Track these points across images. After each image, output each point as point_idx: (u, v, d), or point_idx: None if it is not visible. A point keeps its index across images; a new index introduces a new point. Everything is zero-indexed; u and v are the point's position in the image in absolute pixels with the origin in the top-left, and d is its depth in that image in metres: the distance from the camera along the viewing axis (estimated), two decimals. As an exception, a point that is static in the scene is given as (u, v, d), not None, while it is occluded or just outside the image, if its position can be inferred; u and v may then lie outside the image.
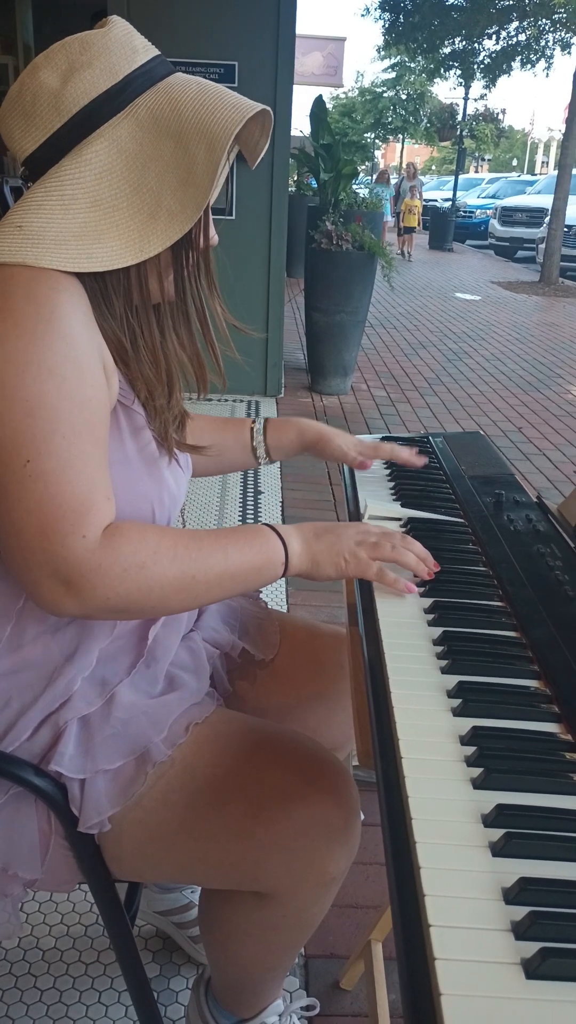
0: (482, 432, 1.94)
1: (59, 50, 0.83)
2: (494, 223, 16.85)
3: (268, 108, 0.88)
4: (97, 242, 0.82)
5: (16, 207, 0.83)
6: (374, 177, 17.68)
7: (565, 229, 12.41)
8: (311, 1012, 1.33)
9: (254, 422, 1.26)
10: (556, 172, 13.46)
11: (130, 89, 0.84)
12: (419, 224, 16.22)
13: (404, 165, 18.15)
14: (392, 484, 1.31)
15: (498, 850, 0.60)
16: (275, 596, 2.67)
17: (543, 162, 53.84)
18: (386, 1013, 1.23)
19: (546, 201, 13.85)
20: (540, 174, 36.74)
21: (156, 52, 0.88)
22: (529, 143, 55.01)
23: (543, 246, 12.84)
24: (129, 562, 0.83)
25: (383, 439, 1.54)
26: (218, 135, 0.81)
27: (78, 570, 0.80)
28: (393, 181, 20.42)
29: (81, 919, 1.52)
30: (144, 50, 0.86)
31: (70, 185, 0.82)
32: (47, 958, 1.45)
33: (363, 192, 6.06)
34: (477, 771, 0.68)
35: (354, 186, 5.72)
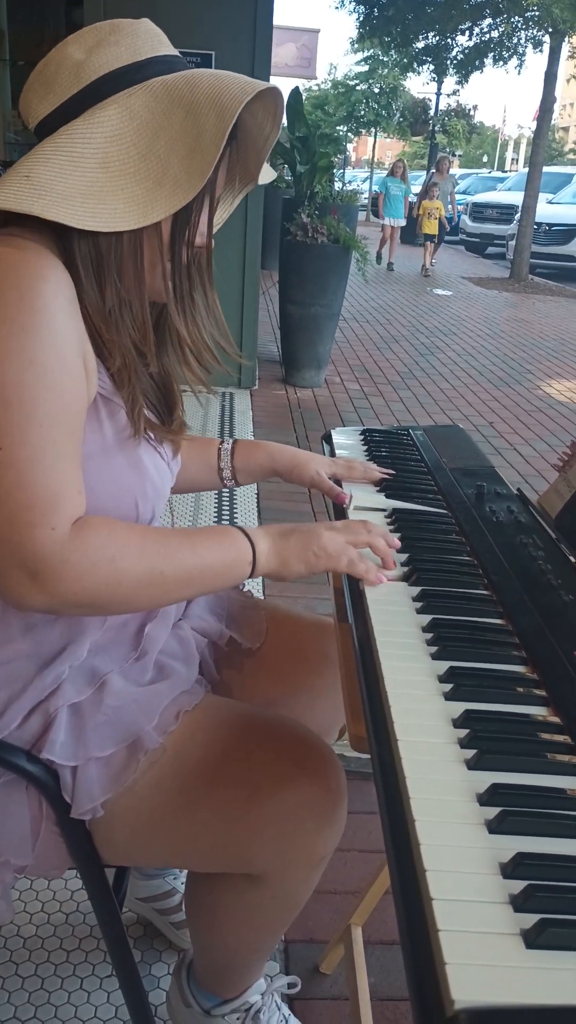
0: (458, 425, 1.97)
1: (91, 30, 0.87)
2: (465, 219, 16.87)
3: (278, 88, 0.89)
4: (102, 203, 0.83)
5: (24, 159, 0.84)
6: (386, 171, 14.38)
7: (535, 226, 12.53)
8: (293, 989, 1.35)
9: (222, 442, 1.24)
10: (527, 169, 13.57)
11: (149, 69, 0.86)
12: (444, 229, 12.83)
13: (436, 161, 14.55)
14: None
15: (494, 827, 0.62)
16: (252, 587, 2.68)
17: (513, 159, 54.24)
18: (367, 996, 1.25)
19: (516, 198, 13.96)
20: (510, 171, 37.02)
21: (178, 53, 0.91)
22: (500, 140, 55.37)
23: (513, 243, 12.95)
24: (98, 556, 0.82)
25: (364, 431, 1.56)
26: (228, 104, 0.82)
27: (45, 562, 0.79)
28: (419, 175, 18.06)
29: (62, 907, 1.52)
30: (168, 46, 0.90)
31: (80, 143, 0.83)
32: (28, 946, 1.45)
33: (338, 185, 6.06)
34: (471, 752, 0.70)
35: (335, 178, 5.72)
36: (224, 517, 3.21)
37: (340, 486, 1.23)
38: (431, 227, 12.36)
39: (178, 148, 0.84)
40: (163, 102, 0.85)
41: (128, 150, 0.84)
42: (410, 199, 13.44)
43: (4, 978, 1.39)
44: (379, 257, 12.88)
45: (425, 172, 18.98)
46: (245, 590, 1.27)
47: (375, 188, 14.03)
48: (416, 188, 14.96)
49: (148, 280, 0.91)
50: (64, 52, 0.86)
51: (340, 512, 1.19)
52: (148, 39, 0.88)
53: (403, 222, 12.91)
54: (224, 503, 3.34)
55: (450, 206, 13.28)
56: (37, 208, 0.80)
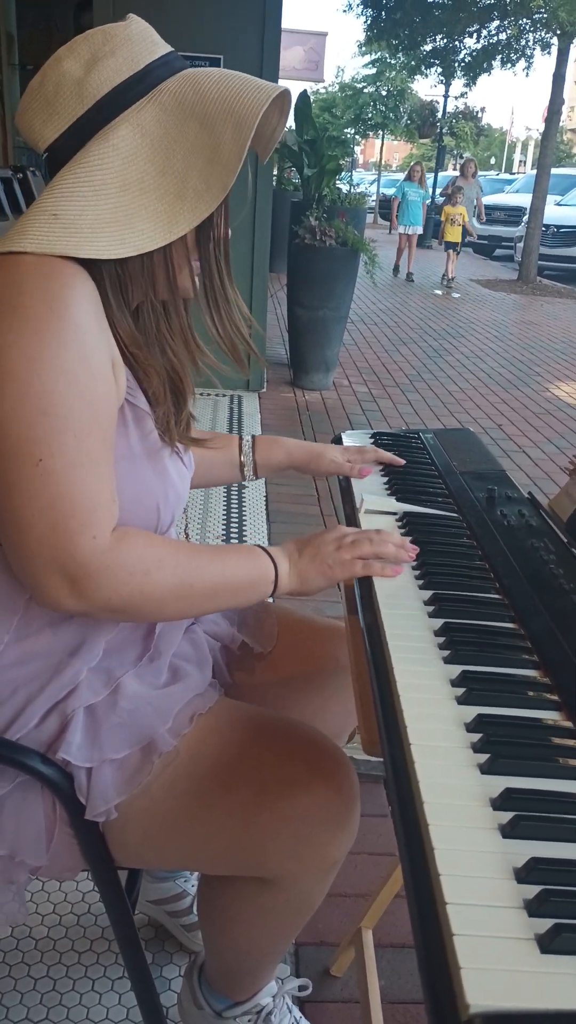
0: (469, 429, 1.97)
1: (82, 42, 0.85)
2: (473, 221, 16.84)
3: (288, 89, 0.89)
4: (128, 227, 0.83)
5: (47, 193, 0.84)
6: (404, 175, 12.85)
7: (543, 228, 12.52)
8: (304, 992, 1.35)
9: (242, 438, 1.29)
10: (535, 171, 13.55)
11: (151, 77, 0.86)
12: (470, 236, 11.96)
13: (461, 161, 13.30)
14: (385, 480, 1.33)
15: (508, 832, 0.62)
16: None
17: (520, 161, 54.15)
18: (377, 998, 1.26)
19: (524, 200, 13.95)
20: (518, 173, 36.98)
21: (171, 48, 0.90)
22: (507, 142, 55.29)
23: (521, 245, 12.93)
24: (135, 567, 0.85)
25: (374, 434, 1.56)
26: (245, 115, 0.83)
27: (85, 569, 0.82)
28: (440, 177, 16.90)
29: (73, 908, 1.53)
30: (162, 45, 0.89)
31: (99, 170, 0.83)
32: (40, 947, 1.45)
33: (345, 188, 6.06)
34: (484, 757, 0.70)
35: (338, 182, 5.71)
36: (233, 519, 3.22)
37: (352, 482, 1.29)
38: (454, 234, 11.30)
39: (195, 161, 0.84)
40: (174, 115, 0.85)
41: (146, 168, 0.84)
42: (427, 204, 12.61)
43: (16, 979, 1.39)
44: (396, 269, 12.20)
45: (432, 175, 18.70)
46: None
47: (392, 193, 13.33)
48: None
49: (180, 283, 0.93)
50: (60, 69, 0.84)
51: (349, 505, 1.24)
52: (142, 42, 0.87)
53: (420, 230, 12.02)
54: (233, 505, 3.34)
55: (475, 213, 12.26)
56: (71, 248, 0.81)
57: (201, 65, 0.91)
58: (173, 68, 0.88)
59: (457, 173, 14.08)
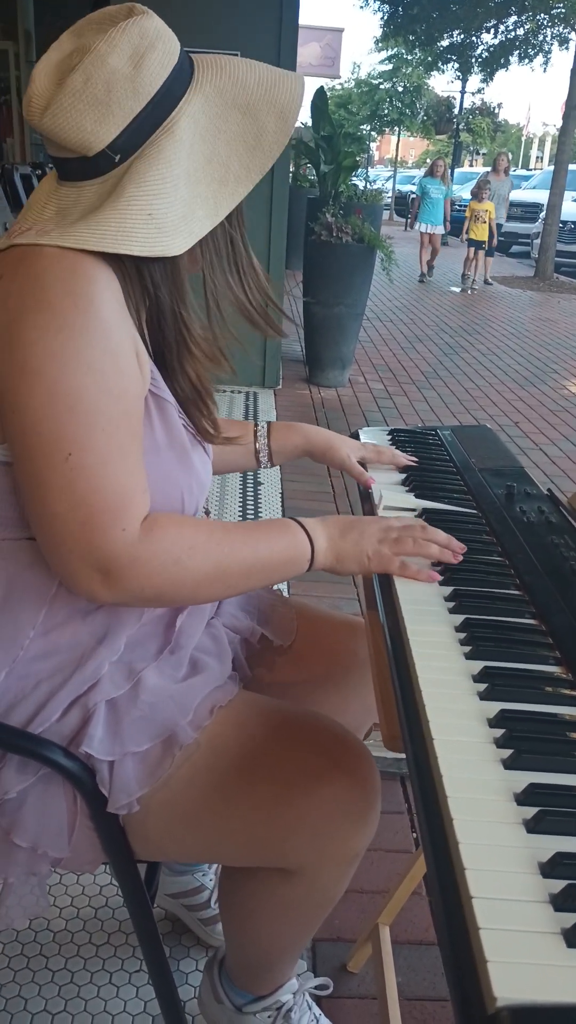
0: (486, 426, 1.96)
1: (120, 36, 0.82)
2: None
3: (303, 77, 0.93)
4: (192, 217, 0.86)
5: (133, 192, 0.84)
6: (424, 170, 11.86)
7: (560, 224, 12.45)
8: (324, 991, 1.35)
9: (257, 425, 1.28)
10: (552, 167, 13.47)
11: (186, 67, 0.88)
12: (494, 236, 10.99)
13: (495, 159, 12.32)
14: (404, 476, 1.33)
15: (532, 827, 0.62)
16: (277, 586, 2.68)
17: (537, 157, 53.85)
18: (395, 995, 1.26)
19: (541, 196, 13.87)
20: (535, 169, 36.78)
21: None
22: (524, 138, 55.01)
23: (538, 241, 12.86)
24: (166, 556, 0.86)
25: (391, 432, 1.56)
26: (287, 105, 0.89)
27: (117, 562, 0.83)
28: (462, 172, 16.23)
29: (91, 901, 1.54)
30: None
31: (171, 164, 0.85)
32: (58, 940, 1.46)
33: (361, 184, 6.05)
34: (507, 752, 0.70)
35: (354, 179, 5.71)
36: (249, 515, 3.22)
37: (367, 470, 1.30)
38: (479, 232, 10.67)
39: (238, 147, 0.89)
40: (217, 104, 0.88)
41: (198, 158, 0.87)
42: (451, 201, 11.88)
43: (35, 971, 1.40)
44: (423, 276, 11.35)
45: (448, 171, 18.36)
46: (274, 588, 1.28)
47: (413, 191, 12.90)
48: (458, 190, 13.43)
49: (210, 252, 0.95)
50: (106, 66, 0.82)
51: (368, 502, 1.24)
52: (168, 33, 0.88)
53: (442, 229, 11.26)
54: (249, 502, 3.35)
55: (503, 212, 11.74)
56: (170, 247, 0.84)
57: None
58: (191, 51, 0.91)
59: (478, 169, 13.73)
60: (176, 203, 0.85)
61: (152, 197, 0.83)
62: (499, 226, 11.53)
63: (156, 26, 0.86)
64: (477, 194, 10.97)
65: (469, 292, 10.58)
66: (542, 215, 12.82)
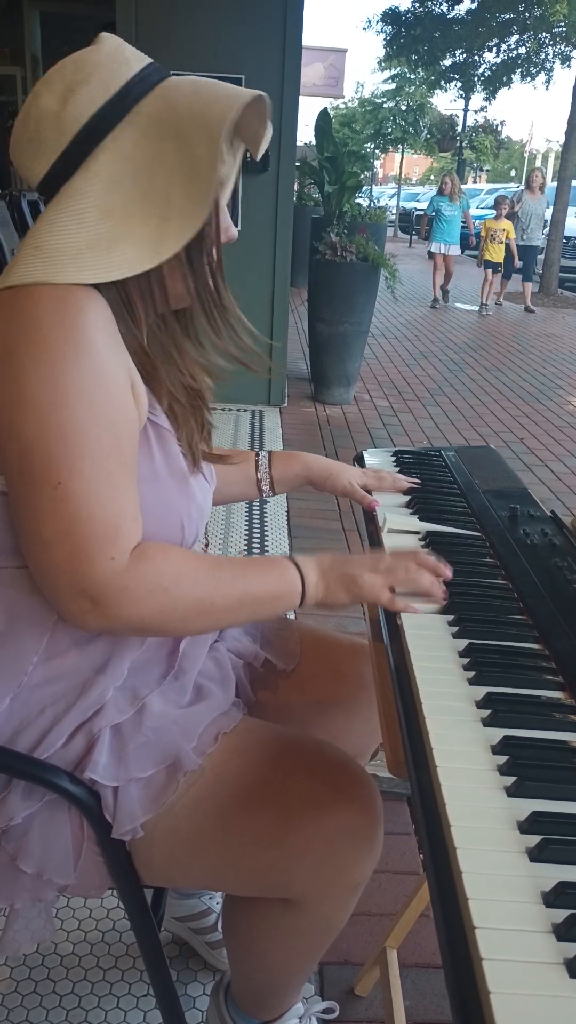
0: (490, 446, 1.97)
1: (55, 73, 0.86)
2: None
3: (263, 94, 0.87)
4: (112, 252, 0.83)
5: (33, 229, 0.86)
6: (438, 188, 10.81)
7: (564, 240, 12.49)
8: (331, 1015, 1.35)
9: (258, 454, 1.29)
10: (555, 183, 13.54)
11: (128, 98, 0.85)
12: (514, 257, 10.34)
13: (529, 176, 11.42)
14: (408, 498, 1.34)
15: (535, 856, 0.62)
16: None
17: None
18: (402, 1019, 1.25)
19: (545, 212, 13.92)
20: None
21: (149, 60, 0.89)
22: (527, 154, 55.26)
23: (542, 257, 12.91)
24: (153, 584, 0.86)
25: (396, 452, 1.57)
26: (213, 125, 0.82)
27: (105, 590, 0.83)
28: (498, 191, 14.36)
29: (98, 925, 1.54)
30: (136, 59, 0.88)
31: (79, 199, 0.84)
32: (65, 963, 1.46)
33: (365, 202, 6.11)
34: (510, 780, 0.70)
35: (358, 197, 5.76)
36: (255, 534, 3.23)
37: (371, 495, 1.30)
38: (495, 253, 10.02)
39: (177, 180, 0.84)
40: (151, 136, 0.84)
41: (130, 193, 0.84)
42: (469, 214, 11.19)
43: (42, 996, 1.40)
44: (435, 302, 10.54)
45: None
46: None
47: (418, 208, 12.67)
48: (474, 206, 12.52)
49: (186, 303, 0.94)
50: (39, 104, 0.84)
51: (372, 523, 1.24)
52: (114, 63, 0.86)
53: (458, 249, 10.58)
54: (255, 521, 3.36)
55: (538, 232, 10.94)
56: (49, 275, 0.81)
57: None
58: (150, 83, 0.86)
59: (481, 185, 13.58)
60: (80, 236, 0.82)
61: (43, 232, 0.83)
62: (540, 250, 10.78)
63: (99, 58, 0.85)
64: (497, 211, 10.35)
65: (483, 315, 10.17)
66: (546, 231, 12.87)
